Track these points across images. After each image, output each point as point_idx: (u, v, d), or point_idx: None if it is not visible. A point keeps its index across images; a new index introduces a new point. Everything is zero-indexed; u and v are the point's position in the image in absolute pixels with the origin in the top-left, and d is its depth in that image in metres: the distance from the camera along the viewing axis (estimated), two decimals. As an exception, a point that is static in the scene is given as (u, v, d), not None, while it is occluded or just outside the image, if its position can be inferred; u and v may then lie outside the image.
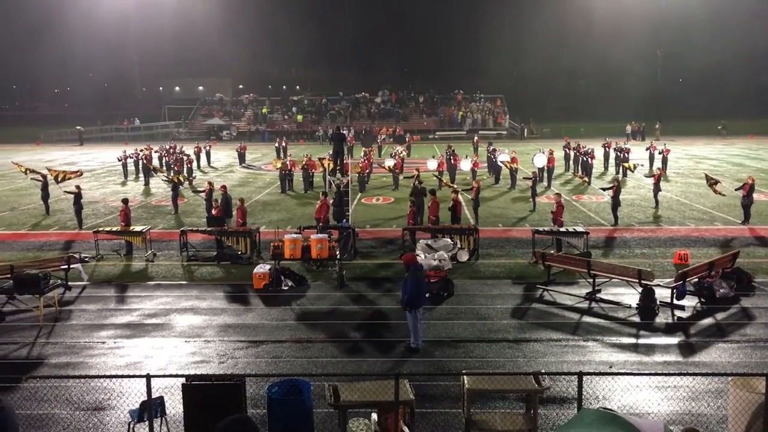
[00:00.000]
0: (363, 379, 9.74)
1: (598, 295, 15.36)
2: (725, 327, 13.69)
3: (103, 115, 79.36)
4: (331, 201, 21.38)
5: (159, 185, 33.51)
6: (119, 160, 38.33)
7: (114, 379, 11.16)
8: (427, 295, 13.85)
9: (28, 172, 26.87)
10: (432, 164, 33.38)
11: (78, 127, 68.42)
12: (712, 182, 24.22)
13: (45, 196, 26.15)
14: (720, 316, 14.27)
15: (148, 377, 8.50)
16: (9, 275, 15.10)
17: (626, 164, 31.33)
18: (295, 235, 17.33)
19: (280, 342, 13.11)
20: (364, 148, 40.10)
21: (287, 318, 14.50)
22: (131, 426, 9.19)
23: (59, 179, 25.76)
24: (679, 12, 77.67)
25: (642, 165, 28.85)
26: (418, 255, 16.75)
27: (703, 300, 15.00)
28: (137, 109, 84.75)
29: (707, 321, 14.03)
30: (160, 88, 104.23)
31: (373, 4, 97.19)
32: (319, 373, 11.50)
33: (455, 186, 24.56)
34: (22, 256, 19.80)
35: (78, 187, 23.97)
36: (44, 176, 26.07)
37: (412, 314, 12.32)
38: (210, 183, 24.20)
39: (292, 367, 11.89)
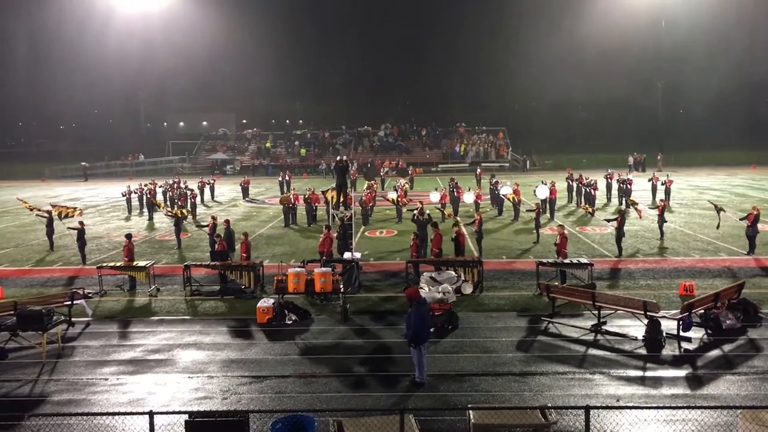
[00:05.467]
0: (367, 414, 9.66)
1: (603, 327, 15.25)
2: (733, 359, 13.56)
3: (108, 150, 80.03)
4: (335, 234, 21.38)
5: (163, 220, 33.60)
6: (123, 196, 38.51)
7: (117, 417, 11.06)
8: (431, 329, 13.77)
9: (33, 209, 26.98)
10: (435, 197, 33.45)
11: (83, 163, 68.98)
12: (718, 209, 24.86)
13: (50, 232, 26.18)
14: (727, 347, 14.14)
15: (151, 414, 8.43)
16: (12, 312, 15.05)
17: (631, 199, 31.42)
18: (298, 269, 17.31)
19: (283, 377, 13.01)
20: (367, 181, 40.25)
21: (291, 352, 14.41)
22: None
23: (62, 216, 25.93)
24: (679, 44, 78.54)
25: (636, 205, 29.12)
26: (422, 288, 16.72)
27: (709, 332, 14.87)
28: (142, 144, 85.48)
29: (714, 353, 13.89)
30: (165, 124, 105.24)
31: (375, 39, 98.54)
32: (324, 408, 11.37)
33: (457, 218, 24.58)
34: (26, 292, 19.78)
35: (81, 223, 24.06)
36: (49, 212, 26.17)
37: (417, 348, 12.24)
38: (213, 217, 24.28)
39: (296, 402, 11.79)
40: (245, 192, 44.93)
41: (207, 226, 24.24)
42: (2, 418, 11.10)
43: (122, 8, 76.83)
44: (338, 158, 24.51)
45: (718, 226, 25.28)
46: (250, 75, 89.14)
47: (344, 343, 14.98)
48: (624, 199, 34.85)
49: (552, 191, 32.18)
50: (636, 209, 26.50)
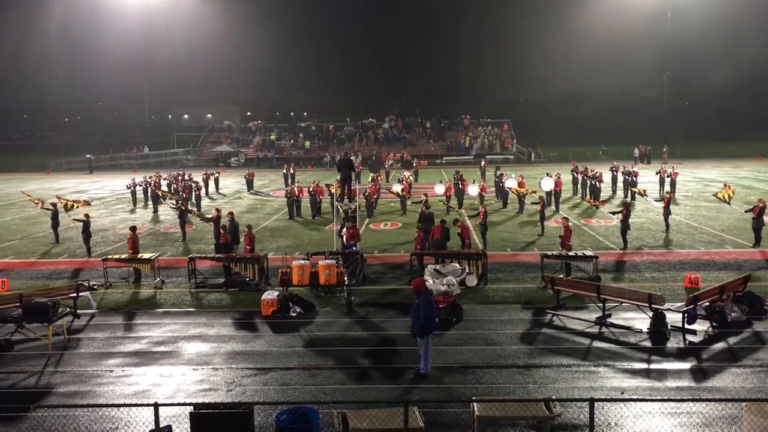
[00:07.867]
0: (372, 406, 9.66)
1: (608, 320, 15.24)
2: (738, 351, 13.52)
3: (113, 143, 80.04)
4: (337, 227, 21.32)
5: (167, 212, 33.63)
6: (128, 188, 38.56)
7: (122, 408, 11.10)
8: (436, 320, 13.76)
9: (38, 202, 27.04)
10: (439, 189, 33.39)
11: (88, 156, 69.06)
12: (727, 199, 24.92)
13: (55, 224, 26.24)
14: (732, 340, 14.11)
15: (156, 406, 8.45)
16: (18, 304, 15.10)
17: (635, 189, 31.32)
18: (303, 262, 17.30)
19: (288, 369, 13.03)
20: (371, 174, 40.22)
21: (295, 345, 14.43)
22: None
23: (68, 208, 25.99)
24: (684, 36, 78.07)
25: (646, 195, 28.82)
26: (426, 280, 16.70)
27: (714, 324, 14.84)
28: (146, 137, 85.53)
29: (719, 345, 13.86)
30: (170, 116, 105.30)
31: (379, 31, 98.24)
32: (328, 400, 11.39)
33: (460, 211, 24.50)
34: (32, 284, 19.84)
35: (87, 215, 24.10)
36: (54, 205, 26.23)
37: (424, 339, 12.23)
38: (218, 210, 24.29)
39: (300, 394, 11.81)
40: (250, 184, 44.97)
41: (211, 218, 24.25)
42: (8, 410, 11.14)
43: (127, 1, 76.72)
44: (343, 153, 24.43)
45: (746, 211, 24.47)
46: (254, 67, 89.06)
47: (348, 336, 14.99)
48: (629, 190, 34.79)
49: (557, 183, 32.10)
50: (635, 192, 26.53)
